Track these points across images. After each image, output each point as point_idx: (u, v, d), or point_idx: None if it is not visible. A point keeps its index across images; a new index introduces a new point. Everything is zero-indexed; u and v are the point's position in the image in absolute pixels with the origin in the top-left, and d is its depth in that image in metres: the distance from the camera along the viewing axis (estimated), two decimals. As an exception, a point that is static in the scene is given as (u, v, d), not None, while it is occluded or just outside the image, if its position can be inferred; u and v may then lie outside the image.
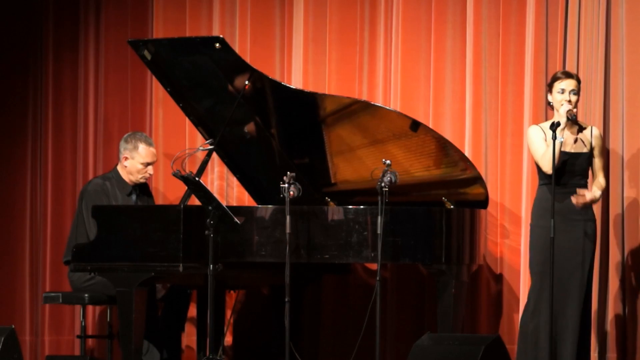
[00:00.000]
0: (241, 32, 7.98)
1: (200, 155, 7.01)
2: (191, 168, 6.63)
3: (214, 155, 7.13)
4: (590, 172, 6.45)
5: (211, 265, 6.22)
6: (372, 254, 6.23)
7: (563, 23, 7.18)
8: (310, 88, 7.42)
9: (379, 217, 6.02)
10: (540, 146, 6.35)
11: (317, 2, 7.77)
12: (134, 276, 6.39)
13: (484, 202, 6.67)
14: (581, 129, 6.42)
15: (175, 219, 6.27)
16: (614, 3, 7.01)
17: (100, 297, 7.10)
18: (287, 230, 6.21)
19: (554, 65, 7.12)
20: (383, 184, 6.10)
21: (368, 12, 7.70)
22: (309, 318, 7.69)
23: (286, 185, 6.23)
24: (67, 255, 7.04)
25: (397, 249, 6.35)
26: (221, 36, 6.46)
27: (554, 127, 6.20)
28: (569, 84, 6.40)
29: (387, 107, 7.02)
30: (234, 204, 7.85)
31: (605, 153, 6.68)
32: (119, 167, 7.37)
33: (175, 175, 6.28)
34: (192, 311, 7.59)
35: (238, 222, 6.24)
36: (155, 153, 7.26)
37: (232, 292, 7.69)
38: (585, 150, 6.37)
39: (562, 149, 6.21)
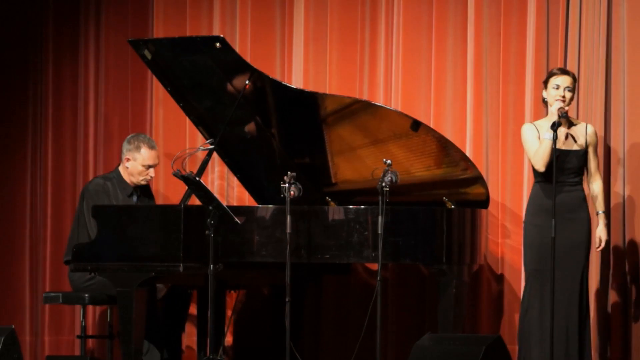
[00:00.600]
0: (241, 31, 7.98)
1: (201, 155, 7.00)
2: (191, 168, 6.62)
3: (215, 155, 7.12)
4: (585, 171, 6.46)
5: (211, 265, 6.21)
6: (373, 254, 6.21)
7: (564, 22, 7.17)
8: (310, 88, 7.41)
9: (380, 217, 6.00)
10: (534, 144, 6.37)
11: (317, 2, 7.77)
12: (134, 276, 6.38)
13: (484, 202, 6.66)
14: (571, 125, 6.43)
15: (176, 219, 6.26)
16: (615, 2, 7.00)
17: (101, 297, 7.09)
18: (288, 230, 6.20)
19: (555, 64, 7.11)
20: (384, 184, 6.09)
21: (369, 11, 7.69)
22: (309, 318, 7.67)
23: (286, 185, 6.21)
24: (68, 255, 7.03)
25: (398, 249, 6.33)
26: (221, 36, 6.46)
27: (555, 126, 6.20)
28: (564, 80, 6.41)
29: (388, 107, 7.02)
30: (235, 203, 7.85)
31: (598, 151, 6.67)
32: (120, 168, 7.36)
33: (175, 175, 6.27)
34: (193, 311, 7.58)
35: (238, 222, 6.23)
36: (158, 156, 7.25)
37: (232, 292, 7.68)
38: (576, 147, 6.37)
39: (555, 147, 6.24)
